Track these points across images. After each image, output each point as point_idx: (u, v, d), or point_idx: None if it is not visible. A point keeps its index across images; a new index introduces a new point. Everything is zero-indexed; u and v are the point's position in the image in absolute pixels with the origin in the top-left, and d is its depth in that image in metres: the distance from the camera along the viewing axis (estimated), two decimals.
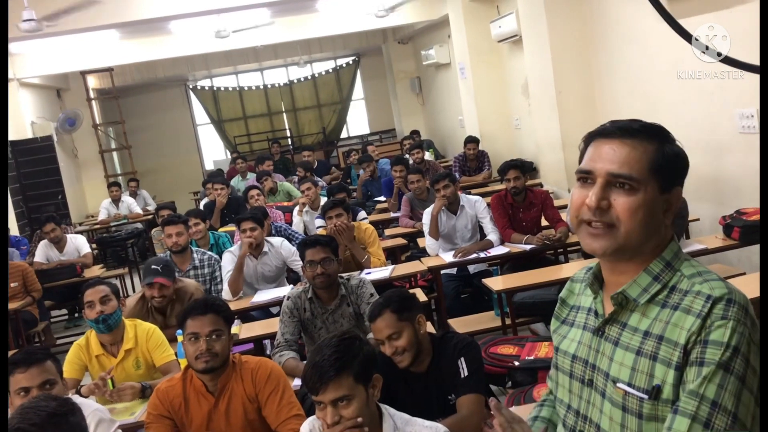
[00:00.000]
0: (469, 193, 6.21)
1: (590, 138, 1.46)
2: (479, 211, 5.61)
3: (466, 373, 2.63)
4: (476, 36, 9.84)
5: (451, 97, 12.11)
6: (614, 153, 1.39)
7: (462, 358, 2.65)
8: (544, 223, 5.61)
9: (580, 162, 1.46)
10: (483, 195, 5.95)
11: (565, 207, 5.66)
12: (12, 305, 6.08)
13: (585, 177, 1.42)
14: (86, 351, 3.67)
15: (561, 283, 4.61)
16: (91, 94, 13.05)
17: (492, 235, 5.44)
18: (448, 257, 5.33)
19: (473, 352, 2.70)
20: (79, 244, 7.23)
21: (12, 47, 10.01)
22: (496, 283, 4.69)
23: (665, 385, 1.34)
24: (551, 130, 7.58)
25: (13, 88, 10.64)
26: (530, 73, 8.03)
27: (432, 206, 5.62)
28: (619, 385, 1.40)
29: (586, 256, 5.42)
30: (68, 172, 11.70)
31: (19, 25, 6.04)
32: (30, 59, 10.75)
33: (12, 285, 6.25)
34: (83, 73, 12.56)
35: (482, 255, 5.30)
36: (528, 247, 5.22)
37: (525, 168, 5.70)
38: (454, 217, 5.62)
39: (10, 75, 10.50)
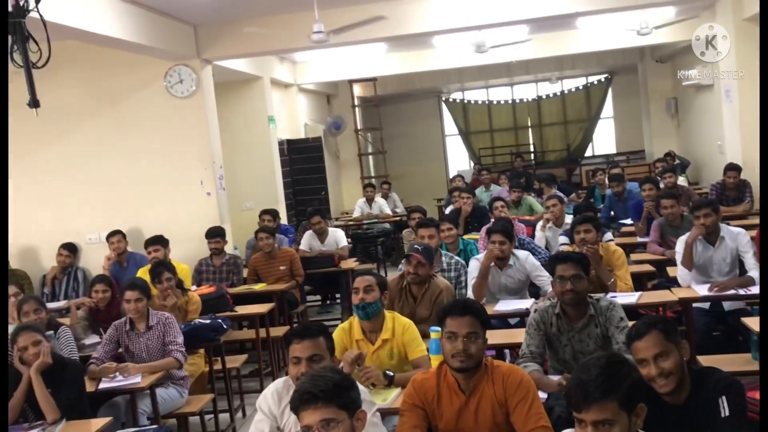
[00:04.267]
0: (728, 225, 5.84)
1: None
2: (741, 244, 5.25)
3: (726, 413, 2.51)
4: (747, 57, 9.16)
5: (710, 120, 11.36)
6: None
7: (723, 397, 2.54)
8: None
9: None
10: (742, 228, 5.55)
11: None
12: (279, 286, 6.85)
13: None
14: (348, 334, 3.94)
15: None
16: (356, 102, 14.15)
17: (754, 271, 5.06)
18: (701, 290, 5.06)
19: (736, 392, 2.57)
20: (338, 237, 7.92)
21: (296, 56, 11.23)
22: (757, 323, 4.39)
23: None
24: None
25: (292, 93, 11.92)
26: None
27: (687, 234, 5.38)
28: None
29: None
30: (331, 171, 12.73)
31: (310, 36, 6.79)
32: (308, 68, 11.95)
33: (281, 268, 7.04)
34: (351, 82, 13.68)
35: (741, 292, 4.98)
36: None
37: None
38: (712, 248, 5.32)
39: (292, 80, 11.76)
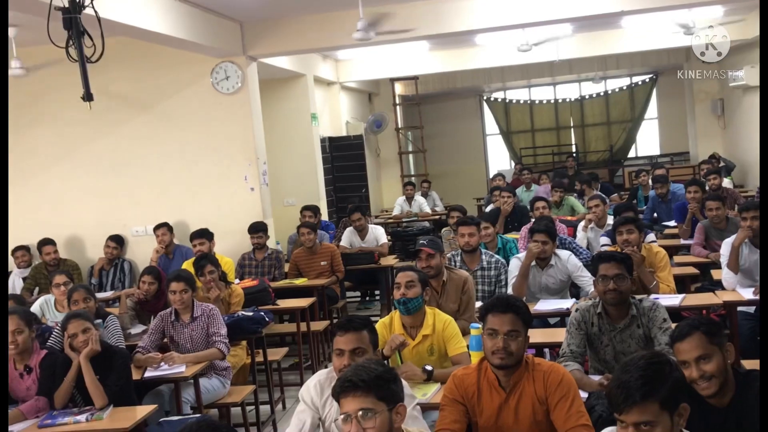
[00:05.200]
0: None
1: None
2: None
3: None
4: None
5: (757, 122, 11.14)
6: None
7: None
8: None
9: None
10: None
11: None
12: (320, 281, 6.92)
13: None
14: (389, 329, 3.95)
15: None
16: (397, 100, 14.20)
17: None
18: (746, 294, 4.98)
19: None
20: (378, 234, 7.97)
21: (339, 54, 11.32)
22: None
23: None
24: None
25: (334, 91, 12.02)
26: None
27: (733, 236, 5.30)
28: None
29: None
30: (371, 169, 12.82)
31: (353, 34, 6.84)
32: (351, 66, 12.02)
33: (322, 263, 7.11)
34: (392, 80, 13.72)
35: None
36: None
37: None
38: (758, 251, 5.24)
39: (334, 78, 11.85)
